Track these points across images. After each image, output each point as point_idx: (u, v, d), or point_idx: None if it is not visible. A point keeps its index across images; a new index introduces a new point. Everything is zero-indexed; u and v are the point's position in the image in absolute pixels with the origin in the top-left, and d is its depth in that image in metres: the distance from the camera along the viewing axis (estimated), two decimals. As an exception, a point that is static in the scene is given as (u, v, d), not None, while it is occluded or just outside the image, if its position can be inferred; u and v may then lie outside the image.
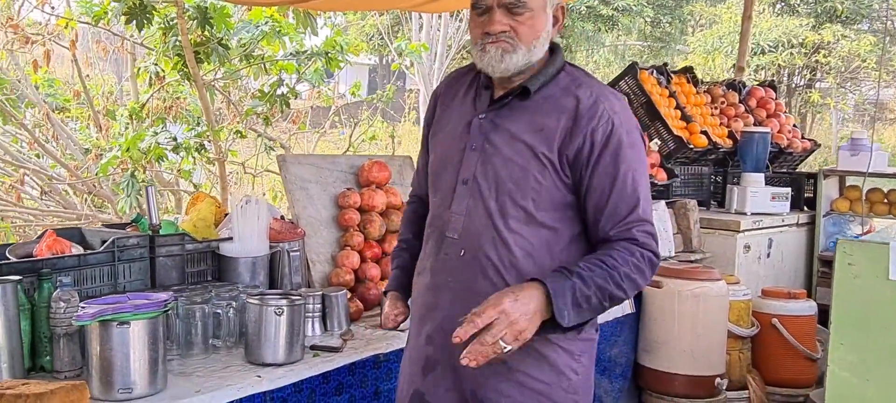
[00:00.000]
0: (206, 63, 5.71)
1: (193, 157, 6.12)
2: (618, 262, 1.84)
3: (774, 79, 11.23)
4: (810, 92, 17.33)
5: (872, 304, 2.26)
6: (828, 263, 4.66)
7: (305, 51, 6.26)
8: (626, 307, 3.71)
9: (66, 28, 6.28)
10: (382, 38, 14.41)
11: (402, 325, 2.18)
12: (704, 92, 5.36)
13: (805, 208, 5.09)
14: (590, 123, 1.87)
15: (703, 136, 4.79)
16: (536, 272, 1.85)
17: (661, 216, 4.08)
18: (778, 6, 16.75)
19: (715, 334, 3.68)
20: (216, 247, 2.70)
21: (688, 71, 5.38)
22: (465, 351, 1.70)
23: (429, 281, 2.03)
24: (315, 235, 3.02)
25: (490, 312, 1.70)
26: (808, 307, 4.09)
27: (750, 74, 14.48)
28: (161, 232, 2.62)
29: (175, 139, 5.72)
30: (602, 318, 3.47)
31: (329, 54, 6.24)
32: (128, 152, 5.48)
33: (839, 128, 18.07)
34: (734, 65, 6.54)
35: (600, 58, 18.31)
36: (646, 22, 17.44)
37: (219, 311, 2.43)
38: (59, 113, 7.18)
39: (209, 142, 6.04)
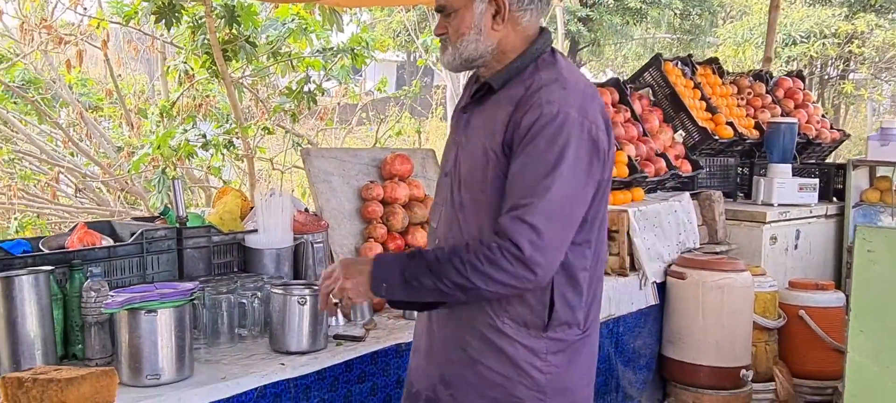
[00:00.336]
0: (234, 61, 5.80)
1: (223, 154, 6.22)
2: (470, 249, 1.81)
3: (803, 69, 11.07)
4: (844, 83, 17.03)
5: (892, 291, 2.23)
6: (857, 254, 4.60)
7: (332, 48, 6.33)
8: (650, 298, 3.71)
9: (98, 28, 6.41)
10: (409, 35, 14.45)
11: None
12: (730, 83, 5.32)
13: (834, 199, 5.03)
14: (522, 110, 1.84)
15: (729, 128, 4.75)
16: None
17: (685, 207, 4.07)
18: (810, -4, 16.49)
19: (740, 325, 3.67)
20: (242, 239, 2.75)
21: (713, 62, 5.35)
22: None
23: None
24: (338, 227, 3.07)
25: (330, 268, 1.99)
26: (836, 299, 4.05)
27: (781, 65, 14.28)
28: (188, 224, 2.68)
29: (204, 136, 5.82)
30: (624, 309, 3.54)
31: (355, 51, 6.30)
32: (159, 150, 5.59)
33: (874, 120, 17.74)
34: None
35: (629, 51, 18.16)
36: (675, 14, 17.24)
37: (244, 301, 2.49)
38: (92, 112, 7.34)
39: (238, 138, 6.13)
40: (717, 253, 4.00)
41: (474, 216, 1.92)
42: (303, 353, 2.34)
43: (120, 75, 7.66)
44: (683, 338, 3.71)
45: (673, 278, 3.75)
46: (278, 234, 2.75)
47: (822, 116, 5.65)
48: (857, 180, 4.96)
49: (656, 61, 4.83)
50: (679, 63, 4.96)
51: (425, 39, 9.19)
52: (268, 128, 6.62)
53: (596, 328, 2.07)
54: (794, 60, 15.22)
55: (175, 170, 5.93)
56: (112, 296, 2.03)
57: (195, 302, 2.26)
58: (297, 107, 6.31)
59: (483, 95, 1.98)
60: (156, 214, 3.26)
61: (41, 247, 2.44)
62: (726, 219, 4.37)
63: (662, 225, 3.87)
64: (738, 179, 4.95)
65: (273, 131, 6.83)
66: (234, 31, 5.55)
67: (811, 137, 5.23)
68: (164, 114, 6.49)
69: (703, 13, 17.40)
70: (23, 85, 6.57)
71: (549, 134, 1.79)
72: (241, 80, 6.53)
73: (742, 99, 5.27)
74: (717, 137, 4.67)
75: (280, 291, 2.37)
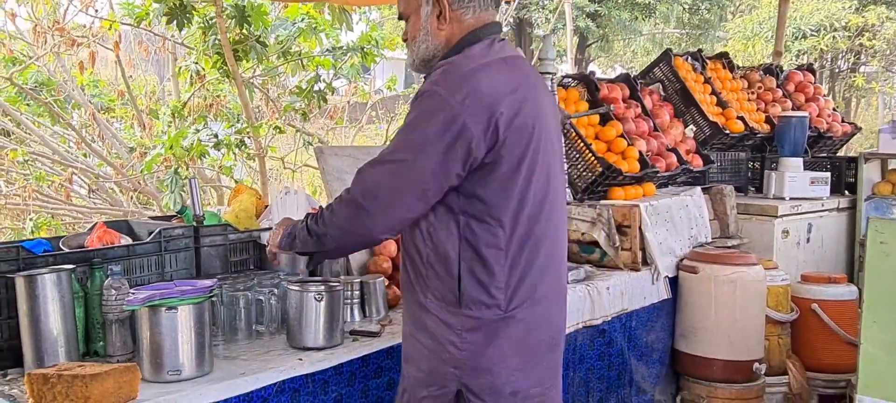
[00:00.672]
0: (244, 61, 5.84)
1: (234, 153, 6.26)
2: (330, 206, 2.09)
3: (814, 63, 11.02)
4: (854, 76, 16.95)
5: (905, 283, 2.24)
6: (869, 247, 4.60)
7: (341, 46, 6.36)
8: (663, 292, 3.72)
9: (109, 30, 6.46)
10: (418, 33, 14.42)
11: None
12: (741, 77, 5.32)
13: (846, 192, 5.02)
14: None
15: (740, 122, 4.75)
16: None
17: (696, 202, 4.08)
18: (820, -11, 16.41)
19: (752, 319, 3.67)
20: (258, 237, 2.78)
21: (723, 57, 5.34)
22: None
23: None
24: (353, 225, 3.09)
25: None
26: (848, 292, 4.05)
27: (791, 59, 14.23)
28: (205, 223, 2.71)
29: (216, 136, 5.87)
30: (637, 304, 3.56)
31: (365, 49, 6.33)
32: (171, 150, 5.64)
33: (886, 113, 17.65)
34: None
35: (638, 46, 18.12)
36: (684, 9, 17.18)
37: (261, 298, 2.52)
38: (104, 113, 7.40)
39: (249, 138, 6.17)
40: (728, 248, 4.00)
41: None
42: (320, 349, 2.36)
43: (131, 76, 7.71)
44: (696, 332, 3.72)
45: (685, 272, 3.76)
46: (294, 232, 2.77)
47: (833, 110, 5.64)
48: (869, 173, 4.95)
49: (666, 56, 4.83)
50: (689, 58, 4.97)
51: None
52: (279, 127, 6.66)
53: (532, 312, 2.04)
54: (804, 54, 15.16)
55: (187, 169, 5.98)
56: (133, 293, 2.07)
57: (213, 299, 2.29)
58: (307, 106, 6.36)
59: None
60: (172, 213, 3.29)
61: (61, 246, 2.47)
62: (738, 214, 4.37)
63: (674, 220, 3.87)
64: (750, 173, 4.95)
65: (284, 130, 6.87)
66: (244, 31, 5.59)
67: (822, 131, 5.22)
68: (176, 115, 6.54)
69: (712, 8, 17.33)
70: (36, 87, 6.64)
71: (414, 104, 1.97)
72: (251, 80, 6.58)
73: (752, 93, 5.27)
74: (727, 132, 4.67)
75: (297, 288, 2.40)
